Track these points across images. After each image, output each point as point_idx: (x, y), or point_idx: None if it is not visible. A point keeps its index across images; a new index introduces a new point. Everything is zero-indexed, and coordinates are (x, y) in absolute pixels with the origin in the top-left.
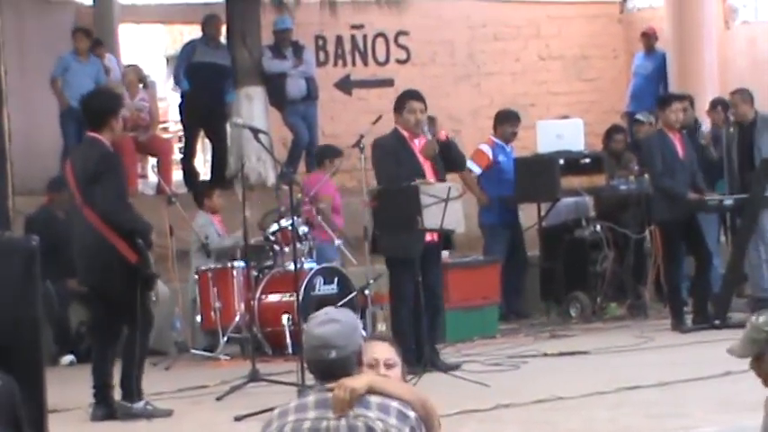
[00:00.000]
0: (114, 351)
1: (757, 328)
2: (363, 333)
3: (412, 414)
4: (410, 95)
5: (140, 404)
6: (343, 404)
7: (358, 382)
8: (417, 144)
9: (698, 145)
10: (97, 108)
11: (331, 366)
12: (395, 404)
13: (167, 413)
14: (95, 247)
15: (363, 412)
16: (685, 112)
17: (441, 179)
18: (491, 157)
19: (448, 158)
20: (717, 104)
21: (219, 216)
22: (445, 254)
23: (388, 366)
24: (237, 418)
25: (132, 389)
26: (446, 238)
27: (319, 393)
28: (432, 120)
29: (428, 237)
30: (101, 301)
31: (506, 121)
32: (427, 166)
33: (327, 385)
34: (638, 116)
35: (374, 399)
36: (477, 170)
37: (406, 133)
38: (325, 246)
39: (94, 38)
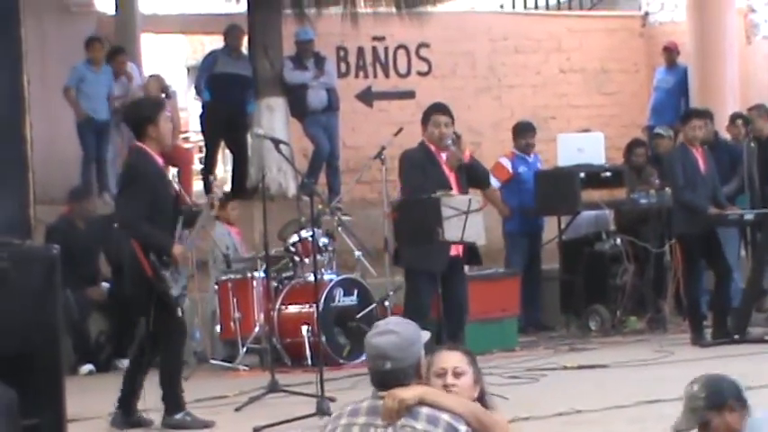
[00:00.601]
0: (146, 361)
1: (693, 397)
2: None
3: (463, 428)
4: (435, 109)
5: (179, 415)
6: (392, 413)
7: (409, 392)
8: (444, 158)
9: (719, 159)
10: (133, 117)
11: (385, 377)
12: (445, 416)
13: (206, 424)
14: (126, 257)
15: (411, 423)
16: (704, 129)
17: (464, 192)
18: (510, 169)
19: (473, 178)
20: (735, 119)
21: (237, 227)
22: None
23: (456, 375)
24: (256, 429)
25: (168, 401)
26: (472, 253)
27: (372, 400)
28: (457, 137)
29: (453, 251)
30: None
31: (521, 134)
32: (452, 179)
33: (380, 393)
34: (659, 130)
35: (425, 410)
36: (496, 184)
37: (432, 146)
38: None
39: (117, 46)
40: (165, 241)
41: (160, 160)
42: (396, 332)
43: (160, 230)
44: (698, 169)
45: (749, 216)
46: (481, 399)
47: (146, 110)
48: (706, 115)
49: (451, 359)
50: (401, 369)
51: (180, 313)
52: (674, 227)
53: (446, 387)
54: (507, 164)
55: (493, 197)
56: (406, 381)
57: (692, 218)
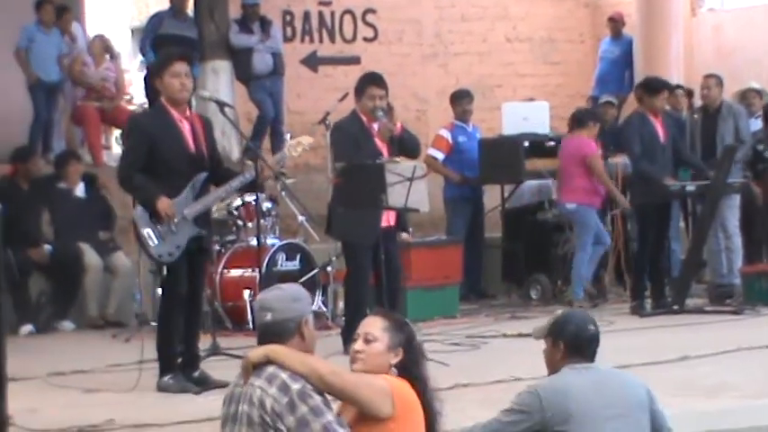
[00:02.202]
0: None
1: (553, 320)
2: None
3: (296, 386)
4: (371, 80)
5: (166, 377)
6: (244, 372)
7: (256, 352)
8: (375, 128)
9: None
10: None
11: (266, 330)
12: (283, 375)
13: (186, 388)
14: None
15: (254, 381)
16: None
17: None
18: (450, 140)
19: (404, 149)
20: (676, 89)
21: None
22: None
23: (367, 341)
24: (197, 392)
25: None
26: (401, 223)
27: None
28: (389, 108)
29: (384, 222)
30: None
31: (458, 100)
32: (384, 150)
33: None
34: (607, 98)
35: (270, 369)
36: (440, 156)
37: (364, 117)
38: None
39: (62, 5)
40: (150, 195)
41: (176, 115)
42: (281, 288)
43: (164, 187)
44: (656, 138)
45: (690, 187)
46: (405, 367)
47: (154, 65)
48: (674, 89)
49: (367, 325)
50: (280, 322)
51: (165, 271)
52: (631, 196)
53: (354, 352)
54: (447, 135)
55: (435, 166)
56: (285, 336)
57: (649, 188)
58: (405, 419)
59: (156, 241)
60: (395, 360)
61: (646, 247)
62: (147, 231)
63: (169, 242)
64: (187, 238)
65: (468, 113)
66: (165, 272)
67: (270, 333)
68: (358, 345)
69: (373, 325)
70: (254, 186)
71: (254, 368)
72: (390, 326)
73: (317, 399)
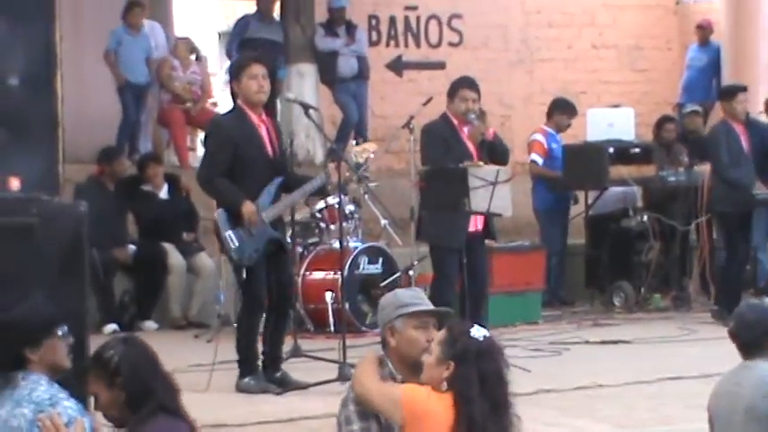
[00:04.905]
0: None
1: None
2: None
3: (344, 395)
4: (464, 83)
5: (246, 379)
6: None
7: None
8: (466, 132)
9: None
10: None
11: None
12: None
13: (267, 389)
14: None
15: None
16: (746, 103)
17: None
18: (546, 145)
19: (493, 154)
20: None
21: None
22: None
23: (427, 352)
24: (278, 393)
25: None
26: (488, 229)
27: None
28: (482, 113)
29: (471, 226)
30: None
31: (564, 112)
32: (474, 154)
33: None
34: (692, 107)
35: None
36: (540, 160)
37: (455, 120)
38: None
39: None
40: (234, 198)
41: (254, 118)
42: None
43: (243, 190)
44: (741, 147)
45: None
46: (452, 382)
47: (231, 68)
48: (747, 90)
49: (433, 335)
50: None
51: (244, 275)
52: (715, 204)
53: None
54: (543, 139)
55: (537, 170)
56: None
57: (734, 196)
58: (413, 427)
59: (236, 243)
60: (446, 373)
61: (734, 255)
62: (228, 234)
63: (248, 245)
64: (265, 240)
65: (567, 127)
66: (244, 275)
67: None
68: (423, 355)
69: (435, 336)
70: (324, 192)
71: None
72: (446, 338)
73: (351, 408)
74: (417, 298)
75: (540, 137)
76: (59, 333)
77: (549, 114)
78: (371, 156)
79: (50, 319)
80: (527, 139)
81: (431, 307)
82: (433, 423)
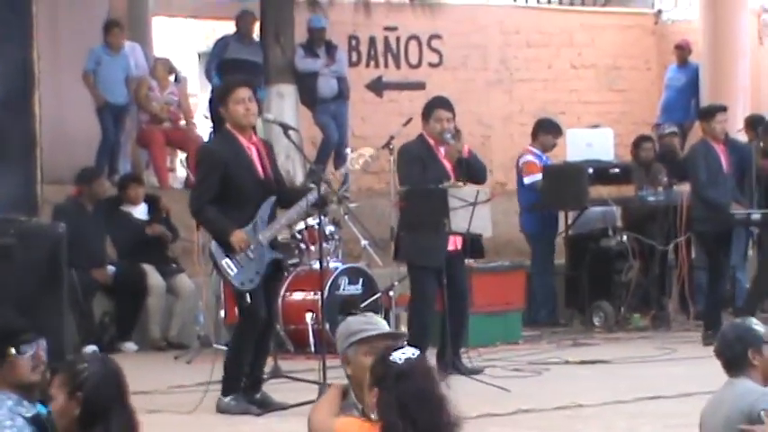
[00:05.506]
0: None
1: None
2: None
3: None
4: (438, 103)
5: (227, 398)
6: None
7: None
8: (443, 152)
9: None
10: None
11: None
12: None
13: (248, 410)
14: None
15: None
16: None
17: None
18: (538, 164)
19: (471, 173)
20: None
21: None
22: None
23: None
24: (258, 414)
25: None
26: (475, 246)
27: None
28: (457, 132)
29: (451, 245)
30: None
31: (549, 132)
32: (452, 172)
33: None
34: (671, 128)
35: None
36: (532, 180)
37: (431, 140)
38: None
39: (112, 19)
40: (223, 227)
41: (244, 142)
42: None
43: (237, 213)
44: (720, 166)
45: (756, 216)
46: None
47: (216, 93)
48: (727, 110)
49: None
50: None
51: (248, 299)
52: (695, 224)
53: None
54: (535, 159)
55: None
56: None
57: (713, 216)
58: None
59: (235, 270)
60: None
61: (717, 275)
62: (225, 262)
63: (248, 269)
64: (266, 262)
65: (553, 146)
66: (248, 299)
67: None
68: None
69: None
70: (324, 202)
71: None
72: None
73: None
74: (368, 324)
75: (531, 158)
76: (23, 348)
77: (534, 135)
78: (369, 160)
79: (5, 334)
80: (515, 161)
81: (381, 331)
82: None
